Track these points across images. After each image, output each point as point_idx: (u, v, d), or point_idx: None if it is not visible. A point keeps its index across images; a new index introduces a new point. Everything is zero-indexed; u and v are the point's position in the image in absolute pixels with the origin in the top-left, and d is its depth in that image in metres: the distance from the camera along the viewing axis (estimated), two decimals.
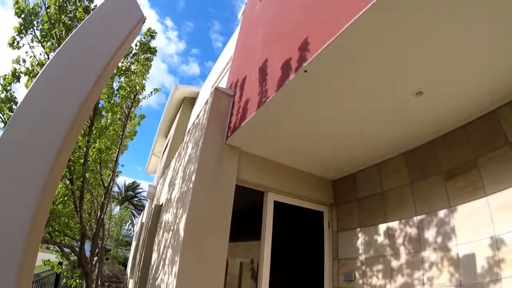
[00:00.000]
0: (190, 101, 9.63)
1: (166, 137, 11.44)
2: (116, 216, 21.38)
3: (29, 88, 0.97)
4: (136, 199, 30.19)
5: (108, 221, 17.54)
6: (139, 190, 30.38)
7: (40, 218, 0.85)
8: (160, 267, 3.76)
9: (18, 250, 0.77)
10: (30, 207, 0.82)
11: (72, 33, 1.11)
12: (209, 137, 3.36)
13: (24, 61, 3.99)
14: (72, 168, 5.09)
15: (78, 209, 5.26)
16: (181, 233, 2.96)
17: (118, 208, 23.75)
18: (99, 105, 6.70)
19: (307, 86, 2.50)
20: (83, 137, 5.42)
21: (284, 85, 2.48)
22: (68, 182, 5.38)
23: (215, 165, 3.27)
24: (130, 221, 23.98)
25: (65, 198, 5.68)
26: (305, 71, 2.30)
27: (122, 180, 31.27)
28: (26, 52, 3.99)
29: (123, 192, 30.14)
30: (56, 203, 5.42)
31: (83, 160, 5.27)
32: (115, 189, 29.27)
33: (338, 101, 2.73)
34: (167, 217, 4.33)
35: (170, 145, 8.44)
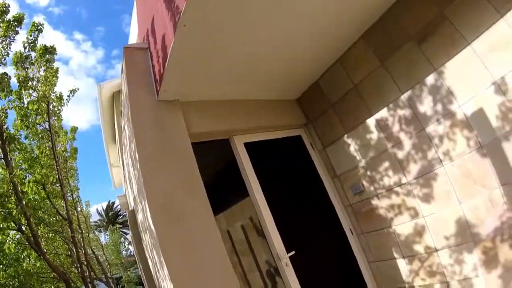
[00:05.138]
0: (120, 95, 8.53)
1: (115, 143, 10.28)
2: (109, 243, 20.27)
3: None
4: (120, 216, 28.66)
5: (103, 251, 16.66)
6: (119, 207, 28.74)
7: None
8: (157, 274, 3.16)
9: None
10: None
11: None
12: (136, 102, 2.59)
13: None
14: (13, 213, 4.20)
15: (40, 255, 4.45)
16: (152, 227, 2.30)
17: (106, 235, 22.56)
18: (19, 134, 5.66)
19: None
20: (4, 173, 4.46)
21: None
22: (16, 233, 4.53)
23: (157, 130, 2.53)
24: (124, 241, 22.92)
25: (25, 252, 4.86)
26: None
27: (100, 207, 29.30)
28: None
29: (105, 217, 28.42)
30: (18, 262, 4.61)
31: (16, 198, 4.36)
32: (96, 217, 27.62)
33: None
34: (140, 217, 3.65)
35: (119, 146, 7.48)
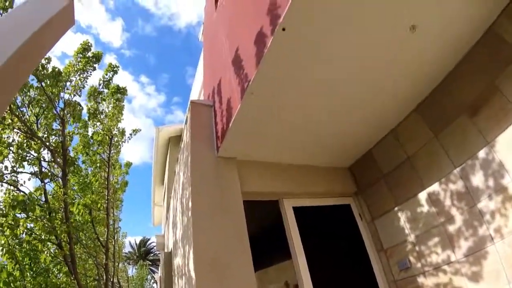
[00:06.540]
0: (176, 140, 9.17)
1: (163, 184, 10.83)
2: (135, 277, 20.31)
3: None
4: (152, 254, 28.83)
5: (128, 283, 16.69)
6: (152, 245, 29.04)
7: None
8: None
9: None
10: None
11: None
12: (197, 154, 2.84)
13: None
14: (57, 229, 4.50)
15: (73, 273, 4.63)
16: (192, 274, 2.38)
17: (134, 268, 22.69)
18: (77, 158, 6.20)
19: (290, 49, 2.04)
20: (59, 191, 4.87)
21: (263, 56, 2.02)
22: (55, 247, 4.79)
23: (213, 183, 2.71)
24: (150, 278, 22.79)
25: (58, 266, 5.07)
26: (283, 29, 1.85)
27: (133, 240, 29.89)
28: None
29: (136, 251, 28.80)
30: (47, 273, 4.81)
31: (64, 216, 4.69)
32: (128, 249, 28.08)
33: (326, 61, 2.29)
34: (177, 261, 3.73)
35: (167, 188, 7.88)
